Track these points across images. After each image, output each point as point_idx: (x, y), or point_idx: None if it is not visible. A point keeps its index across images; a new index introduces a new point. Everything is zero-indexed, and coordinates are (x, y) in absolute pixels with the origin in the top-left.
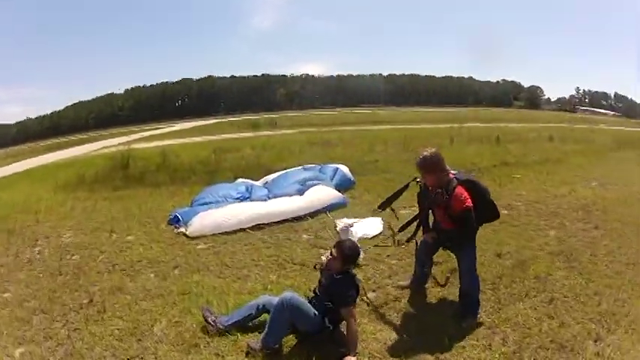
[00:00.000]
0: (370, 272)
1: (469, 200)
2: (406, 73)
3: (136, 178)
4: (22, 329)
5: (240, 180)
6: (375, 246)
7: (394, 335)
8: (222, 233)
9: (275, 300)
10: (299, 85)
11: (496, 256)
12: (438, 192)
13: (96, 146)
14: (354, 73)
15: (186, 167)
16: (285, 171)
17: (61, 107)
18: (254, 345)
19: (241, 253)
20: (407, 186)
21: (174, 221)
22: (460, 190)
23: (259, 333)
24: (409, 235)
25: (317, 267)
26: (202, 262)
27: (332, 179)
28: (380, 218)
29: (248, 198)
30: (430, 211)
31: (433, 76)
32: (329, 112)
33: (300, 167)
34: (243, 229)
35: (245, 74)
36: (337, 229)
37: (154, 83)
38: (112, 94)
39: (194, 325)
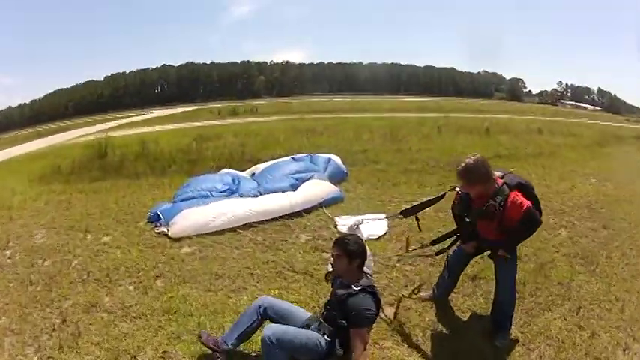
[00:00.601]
0: (383, 281)
1: (526, 201)
2: (387, 62)
3: (114, 168)
4: None
5: (225, 171)
6: (399, 258)
7: None
8: (208, 233)
9: (276, 303)
10: (279, 71)
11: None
12: (489, 204)
13: (74, 134)
14: (335, 61)
15: (166, 156)
16: (273, 162)
17: (42, 95)
18: None
19: (232, 258)
20: (442, 196)
21: (155, 219)
22: (514, 196)
23: None
24: (440, 247)
25: (328, 278)
26: (188, 271)
27: (325, 170)
28: (384, 215)
29: (236, 192)
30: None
31: (414, 66)
32: (309, 100)
33: (289, 158)
34: (232, 229)
35: (225, 61)
36: (339, 228)
37: (134, 70)
38: (91, 81)
39: (186, 358)
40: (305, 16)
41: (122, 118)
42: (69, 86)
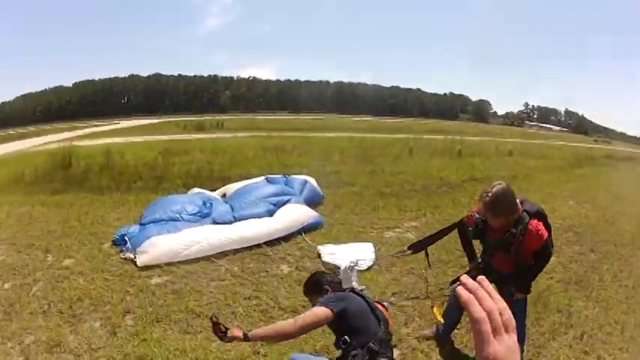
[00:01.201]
0: None
1: (545, 231)
2: (354, 82)
3: (78, 179)
4: None
5: (194, 190)
6: (392, 293)
7: None
8: (180, 262)
9: None
10: (245, 87)
11: None
12: (510, 233)
13: (38, 141)
14: (302, 79)
15: (132, 170)
16: (246, 182)
17: (11, 98)
18: None
19: (209, 292)
20: (454, 227)
21: (120, 242)
22: (536, 225)
23: None
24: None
25: None
26: (160, 307)
27: (301, 193)
28: (370, 243)
29: (207, 215)
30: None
31: (380, 86)
32: (276, 117)
33: (262, 179)
34: (205, 257)
35: (192, 74)
36: (322, 258)
37: (102, 78)
38: (60, 86)
39: None
40: (273, 33)
41: (88, 127)
42: (38, 90)
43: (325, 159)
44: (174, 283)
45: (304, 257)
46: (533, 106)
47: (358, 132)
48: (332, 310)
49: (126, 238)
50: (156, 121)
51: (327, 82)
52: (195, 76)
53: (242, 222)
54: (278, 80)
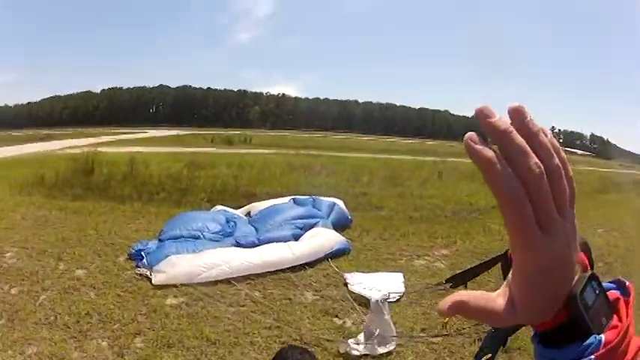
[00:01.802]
0: (409, 358)
1: (589, 266)
2: (383, 102)
3: (99, 187)
4: None
5: (218, 207)
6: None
7: None
8: (197, 283)
9: None
10: (274, 103)
11: None
12: None
13: (63, 144)
14: (331, 97)
15: (155, 181)
16: (271, 202)
17: (38, 99)
18: None
19: (227, 318)
20: (497, 260)
21: (136, 257)
22: (582, 258)
23: None
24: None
25: None
26: (174, 330)
27: (328, 216)
28: (400, 273)
29: (230, 235)
30: None
31: (409, 107)
32: (304, 135)
33: (289, 199)
34: (225, 279)
35: (221, 87)
36: (350, 287)
37: (131, 86)
38: (89, 91)
39: None
40: (304, 49)
41: (114, 134)
42: (65, 94)
43: (354, 180)
44: (189, 305)
45: (330, 285)
46: (559, 130)
47: (386, 153)
48: None
49: (143, 254)
50: (183, 132)
51: (356, 101)
52: (224, 89)
53: (266, 245)
54: (307, 98)
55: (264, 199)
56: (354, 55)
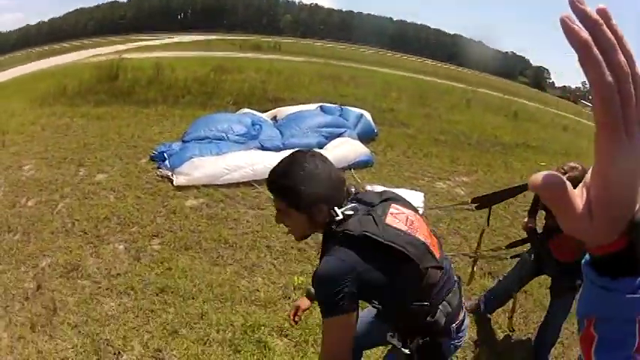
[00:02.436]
0: None
1: None
2: (417, 22)
3: (124, 92)
4: None
5: (244, 110)
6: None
7: None
8: (218, 185)
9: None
10: (306, 13)
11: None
12: None
13: (88, 54)
14: (364, 12)
15: (181, 84)
16: (298, 108)
17: (60, 14)
18: None
19: (246, 221)
20: (521, 189)
21: (159, 158)
22: None
23: None
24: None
25: None
26: (192, 232)
27: (355, 127)
28: (421, 192)
29: (255, 137)
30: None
31: (444, 32)
32: (334, 45)
33: (316, 107)
34: (247, 182)
35: None
36: None
37: None
38: (115, 1)
39: None
40: None
41: (140, 40)
42: (90, 6)
43: (382, 95)
44: (210, 207)
45: None
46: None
47: (417, 73)
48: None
49: (165, 155)
50: (212, 37)
51: (390, 18)
52: None
53: (290, 150)
54: (340, 10)
55: (291, 105)
56: None
